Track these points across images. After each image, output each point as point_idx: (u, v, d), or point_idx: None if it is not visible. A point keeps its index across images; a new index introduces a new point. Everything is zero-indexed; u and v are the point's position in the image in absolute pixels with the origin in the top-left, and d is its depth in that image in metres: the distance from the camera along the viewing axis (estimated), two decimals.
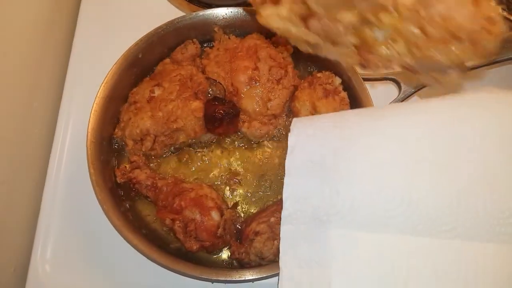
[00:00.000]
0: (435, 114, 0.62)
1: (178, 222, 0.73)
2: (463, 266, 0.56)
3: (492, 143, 0.58)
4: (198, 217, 0.72)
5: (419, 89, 0.82)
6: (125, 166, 0.79)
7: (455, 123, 0.60)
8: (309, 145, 0.63)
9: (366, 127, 0.63)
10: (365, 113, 0.68)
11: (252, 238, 0.72)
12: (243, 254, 0.72)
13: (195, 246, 0.72)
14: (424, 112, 0.63)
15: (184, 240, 0.72)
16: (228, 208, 0.76)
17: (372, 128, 0.63)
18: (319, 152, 0.62)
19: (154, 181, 0.77)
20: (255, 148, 0.84)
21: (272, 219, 0.72)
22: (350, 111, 0.77)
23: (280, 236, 0.61)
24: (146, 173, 0.78)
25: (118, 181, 0.77)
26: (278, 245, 0.60)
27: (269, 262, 0.71)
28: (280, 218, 0.60)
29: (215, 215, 0.73)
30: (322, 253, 0.59)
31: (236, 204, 0.79)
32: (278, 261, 0.59)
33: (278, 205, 0.73)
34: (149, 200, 0.78)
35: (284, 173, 0.60)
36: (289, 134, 0.64)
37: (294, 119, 0.67)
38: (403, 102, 0.82)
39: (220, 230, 0.72)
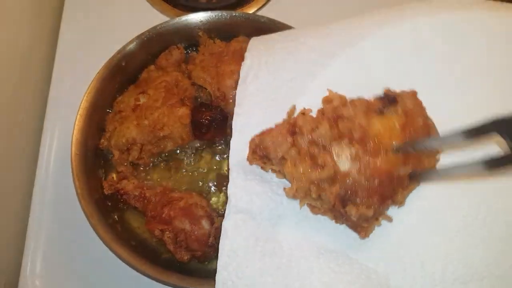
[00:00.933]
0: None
1: (167, 232, 0.71)
2: None
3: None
4: (188, 226, 0.71)
5: None
6: (112, 177, 0.78)
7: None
8: (262, 76, 0.62)
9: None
10: (321, 34, 0.66)
11: None
12: None
13: (186, 257, 0.71)
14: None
15: (175, 251, 0.71)
16: (219, 216, 0.75)
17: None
18: (273, 84, 0.61)
19: (142, 191, 0.76)
20: None
21: None
22: (306, 31, 0.72)
23: (229, 168, 0.59)
24: (133, 183, 0.76)
25: (106, 193, 0.76)
26: None
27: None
28: None
29: (205, 223, 0.72)
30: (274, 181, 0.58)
31: None
32: None
33: None
34: (138, 210, 0.77)
35: None
36: (243, 63, 0.62)
37: (252, 40, 0.65)
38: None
39: (211, 239, 0.71)
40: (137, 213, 0.77)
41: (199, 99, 0.84)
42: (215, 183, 0.80)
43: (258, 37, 0.70)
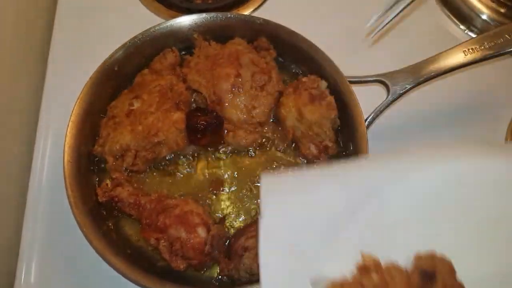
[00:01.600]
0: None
1: (163, 241, 0.69)
2: None
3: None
4: (183, 234, 0.69)
5: (406, 91, 0.78)
6: (106, 184, 0.76)
7: None
8: (280, 235, 0.56)
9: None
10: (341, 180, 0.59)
11: (241, 254, 0.68)
12: (233, 270, 0.69)
13: (182, 265, 0.69)
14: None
15: (170, 260, 0.69)
16: (215, 224, 0.73)
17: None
18: (294, 244, 0.55)
19: (137, 199, 0.74)
20: (241, 158, 0.80)
21: None
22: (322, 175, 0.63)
23: None
24: (128, 190, 0.75)
25: (100, 200, 0.74)
26: None
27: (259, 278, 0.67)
28: None
29: (201, 231, 0.70)
30: None
31: (223, 218, 0.76)
32: None
33: None
34: (133, 218, 0.75)
35: None
36: (261, 220, 0.55)
37: (263, 192, 0.58)
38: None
39: (207, 247, 0.69)
40: (132, 220, 0.76)
41: (194, 104, 0.82)
42: (211, 189, 0.78)
43: (272, 182, 0.60)
